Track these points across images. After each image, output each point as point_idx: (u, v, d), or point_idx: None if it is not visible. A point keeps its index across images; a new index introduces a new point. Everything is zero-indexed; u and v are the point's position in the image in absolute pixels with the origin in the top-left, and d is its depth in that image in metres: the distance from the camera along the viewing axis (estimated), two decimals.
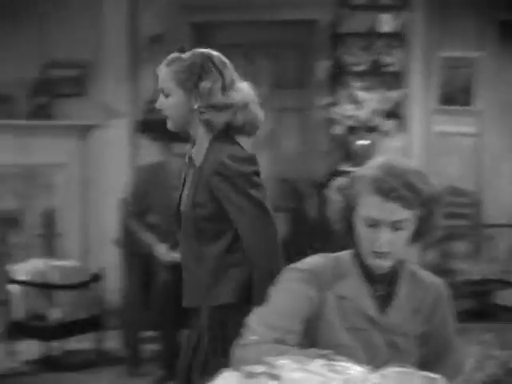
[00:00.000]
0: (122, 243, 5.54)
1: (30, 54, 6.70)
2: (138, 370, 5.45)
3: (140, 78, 6.86)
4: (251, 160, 2.86)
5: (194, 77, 2.86)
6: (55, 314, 5.54)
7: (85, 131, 6.81)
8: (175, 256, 5.08)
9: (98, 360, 5.70)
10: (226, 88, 2.87)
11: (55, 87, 6.75)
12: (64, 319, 5.54)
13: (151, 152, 6.01)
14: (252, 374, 1.89)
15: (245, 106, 2.91)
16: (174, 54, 2.95)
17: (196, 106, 2.87)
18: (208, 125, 2.88)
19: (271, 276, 2.61)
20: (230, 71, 2.93)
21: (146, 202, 5.26)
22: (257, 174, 2.86)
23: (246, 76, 7.03)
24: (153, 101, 6.67)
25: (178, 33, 6.76)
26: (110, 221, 5.63)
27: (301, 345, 2.15)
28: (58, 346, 5.78)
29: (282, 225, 6.77)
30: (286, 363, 1.90)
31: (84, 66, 6.78)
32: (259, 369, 1.90)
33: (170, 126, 2.96)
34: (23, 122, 6.62)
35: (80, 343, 5.86)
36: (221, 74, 2.88)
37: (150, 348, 5.76)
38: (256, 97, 2.97)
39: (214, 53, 2.95)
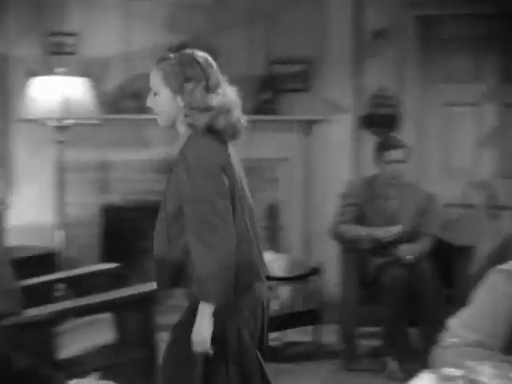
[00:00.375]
0: (338, 239, 5.57)
1: (257, 52, 6.87)
2: (354, 365, 5.45)
3: (364, 73, 6.84)
4: (214, 154, 2.90)
5: (179, 76, 2.94)
6: (273, 306, 5.65)
7: (308, 126, 6.88)
8: (395, 230, 5.23)
9: (316, 353, 5.76)
10: (209, 90, 2.92)
11: (280, 83, 6.85)
12: (281, 311, 5.63)
13: (371, 146, 5.98)
14: (449, 377, 1.84)
15: (227, 110, 2.94)
16: (164, 54, 3.04)
17: (181, 105, 2.94)
18: (189, 126, 2.95)
19: (207, 273, 2.75)
20: (216, 73, 2.98)
21: (358, 214, 5.44)
22: (219, 167, 2.89)
23: (472, 70, 6.83)
24: (377, 96, 6.72)
25: (402, 27, 6.68)
26: (330, 215, 5.66)
27: (504, 349, 2.07)
28: (277, 337, 5.89)
29: (509, 223, 6.55)
30: (485, 368, 1.84)
31: (308, 61, 6.84)
32: (457, 372, 1.85)
33: (160, 122, 3.05)
34: (249, 116, 6.78)
35: (299, 335, 5.95)
36: (205, 74, 2.94)
37: (367, 344, 5.76)
38: (239, 102, 3.02)
39: (201, 53, 3.01)
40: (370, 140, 6.64)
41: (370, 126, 6.84)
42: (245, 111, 6.99)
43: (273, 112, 6.82)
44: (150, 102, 3.04)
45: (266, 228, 6.87)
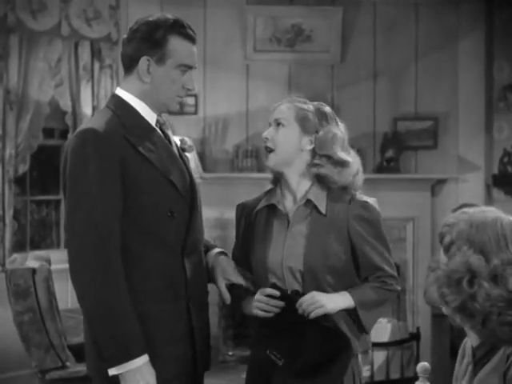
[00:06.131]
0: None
1: (381, 109, 6.69)
2: None
3: (495, 129, 6.56)
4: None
5: (315, 120, 2.80)
6: (365, 373, 5.38)
7: (436, 185, 6.61)
8: None
9: None
10: (344, 146, 2.80)
11: (405, 140, 6.63)
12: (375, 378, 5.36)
13: (505, 207, 5.65)
14: None
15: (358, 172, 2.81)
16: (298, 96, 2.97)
17: (308, 149, 2.79)
18: (322, 179, 2.78)
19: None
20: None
21: None
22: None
23: None
24: (510, 153, 6.39)
25: None
26: None
27: None
28: None
29: None
30: None
31: (436, 117, 6.62)
32: None
33: (272, 159, 2.82)
34: (372, 175, 6.57)
35: None
36: (341, 131, 2.83)
37: None
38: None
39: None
40: (503, 200, 6.33)
41: (502, 185, 6.52)
42: (368, 169, 6.81)
43: (397, 170, 6.57)
44: (269, 132, 2.85)
45: None
